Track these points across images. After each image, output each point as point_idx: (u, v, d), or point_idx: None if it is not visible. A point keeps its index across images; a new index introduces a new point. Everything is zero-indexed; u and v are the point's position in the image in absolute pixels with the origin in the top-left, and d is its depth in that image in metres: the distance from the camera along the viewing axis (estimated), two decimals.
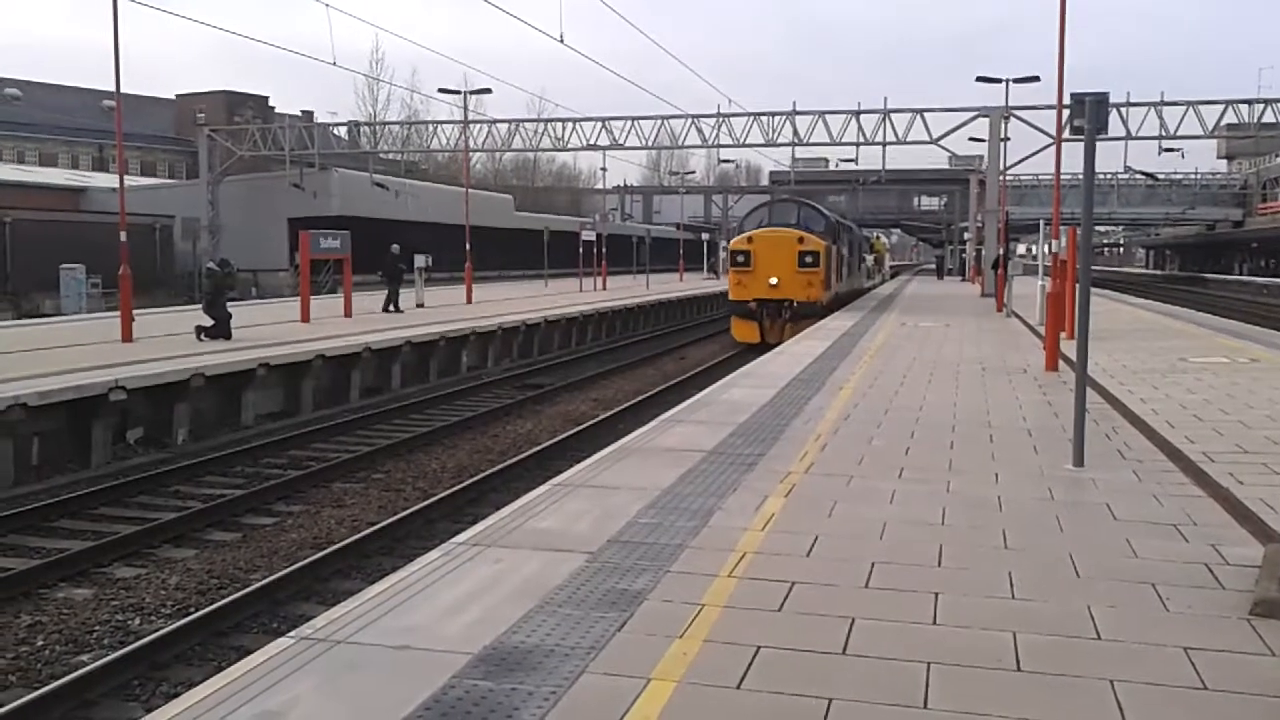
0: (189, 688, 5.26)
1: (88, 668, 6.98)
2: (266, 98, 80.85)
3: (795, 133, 42.63)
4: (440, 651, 4.53)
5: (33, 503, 11.58)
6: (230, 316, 19.45)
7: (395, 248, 27.93)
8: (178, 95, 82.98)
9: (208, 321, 19.14)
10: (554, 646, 4.59)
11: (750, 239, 26.14)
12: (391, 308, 27.11)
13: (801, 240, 25.72)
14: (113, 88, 19.37)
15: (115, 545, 9.95)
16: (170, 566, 9.55)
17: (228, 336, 18.95)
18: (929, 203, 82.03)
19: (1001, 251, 34.59)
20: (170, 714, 3.97)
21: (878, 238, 68.28)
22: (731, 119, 43.24)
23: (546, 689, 4.15)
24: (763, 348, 22.29)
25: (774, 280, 25.34)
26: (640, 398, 19.09)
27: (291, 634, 4.79)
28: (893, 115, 41.29)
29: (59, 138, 74.83)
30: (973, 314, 27.99)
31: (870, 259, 51.64)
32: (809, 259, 25.52)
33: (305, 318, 23.76)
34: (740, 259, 26.06)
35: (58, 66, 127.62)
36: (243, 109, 73.37)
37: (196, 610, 8.19)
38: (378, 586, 5.45)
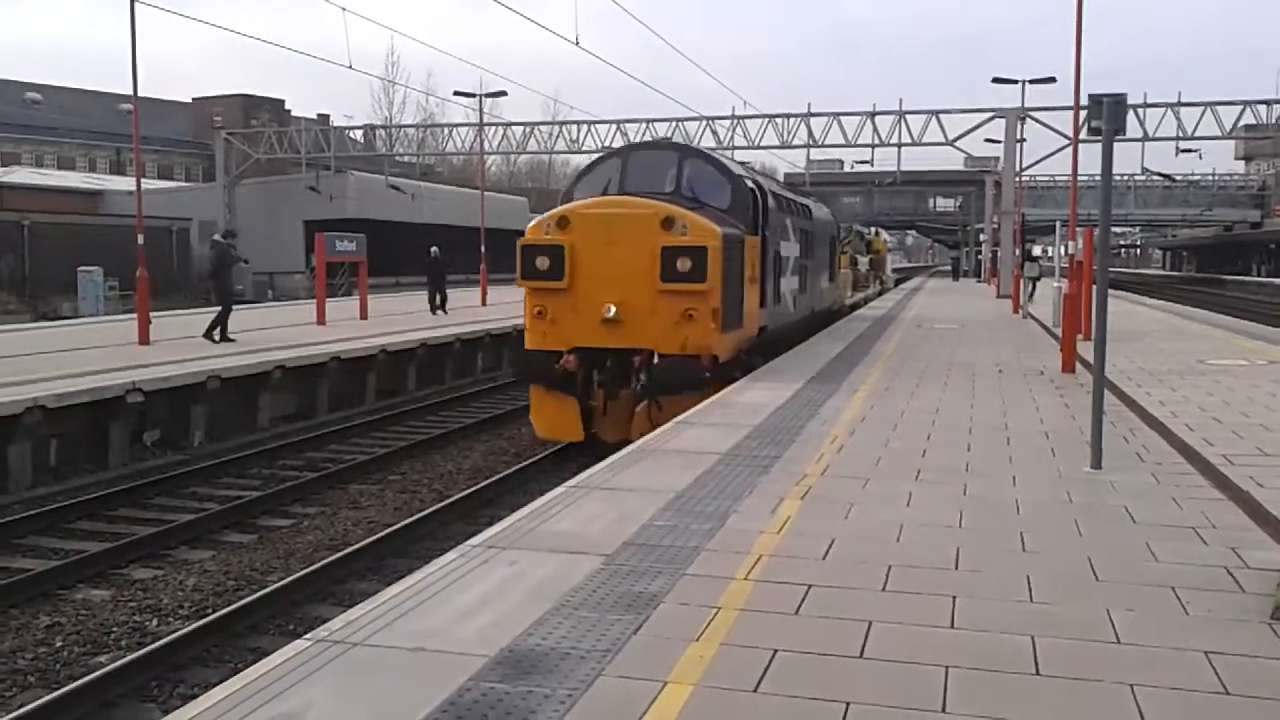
0: (206, 689, 5.27)
1: (106, 669, 7.01)
2: (283, 101, 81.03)
3: (810, 134, 42.60)
4: (456, 654, 4.52)
5: (51, 504, 11.65)
6: (232, 301, 19.43)
7: (435, 250, 27.97)
8: (194, 99, 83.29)
9: (216, 324, 19.11)
10: (570, 649, 4.58)
11: (563, 221, 13.14)
12: (440, 310, 27.14)
13: (669, 224, 12.75)
14: (130, 91, 19.49)
15: (133, 546, 10.01)
16: (187, 568, 9.59)
17: (227, 312, 18.96)
18: (944, 204, 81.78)
19: (1018, 252, 34.48)
20: (187, 716, 3.98)
21: (876, 234, 54.32)
22: (746, 121, 43.21)
23: (563, 692, 4.15)
24: (592, 448, 12.82)
25: (611, 310, 12.80)
26: None
27: (308, 636, 4.79)
28: (908, 116, 41.26)
29: (77, 141, 75.24)
30: (987, 316, 27.87)
31: (864, 261, 41.97)
32: (686, 263, 12.62)
33: (321, 320, 23.83)
34: (541, 264, 13.13)
35: (76, 70, 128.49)
36: (259, 112, 73.56)
37: (213, 612, 8.22)
38: (394, 588, 5.45)
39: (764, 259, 15.51)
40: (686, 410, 11.24)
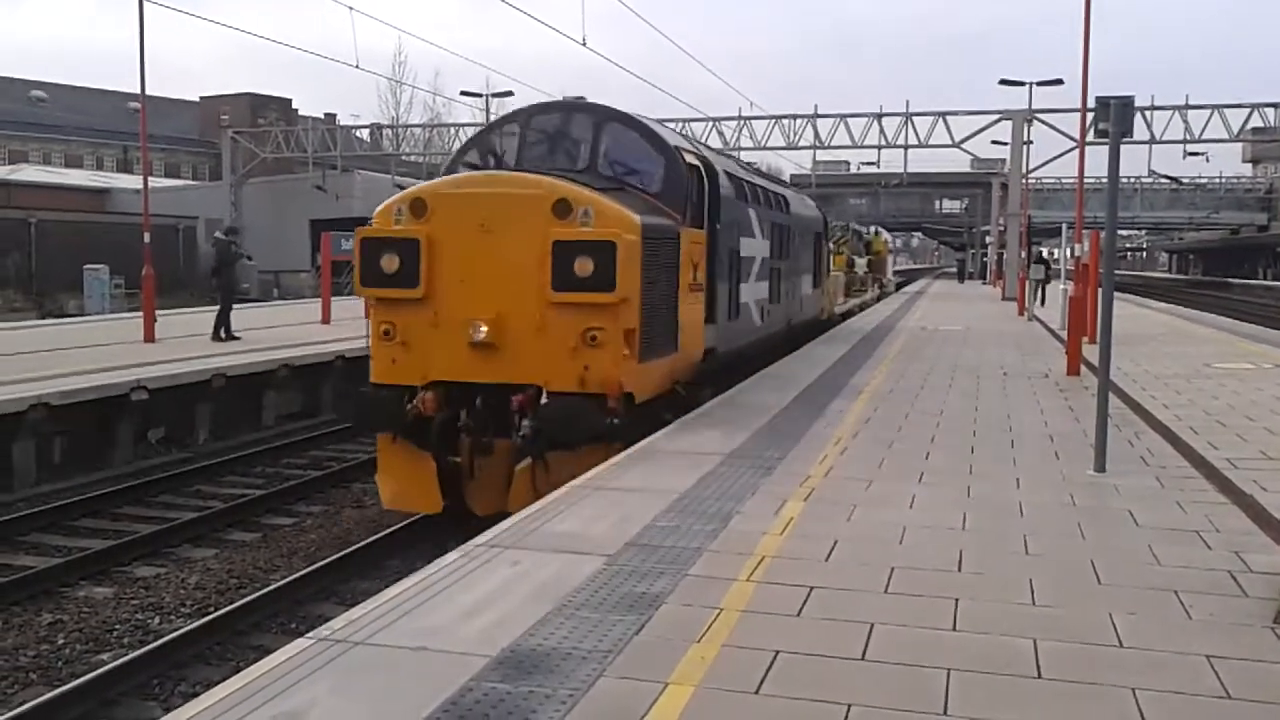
0: (208, 687, 5.28)
1: (108, 666, 7.02)
2: (289, 100, 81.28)
3: (816, 135, 42.66)
4: (458, 653, 4.52)
5: (55, 501, 11.67)
6: (232, 299, 19.39)
7: None
8: (202, 97, 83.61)
9: (219, 324, 19.12)
10: (572, 649, 4.58)
11: (417, 205, 9.87)
12: None
13: (565, 209, 9.52)
14: (137, 90, 19.53)
15: (136, 544, 10.02)
16: (190, 566, 9.60)
17: (228, 310, 18.94)
18: (950, 206, 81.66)
19: (1024, 254, 34.46)
20: (189, 714, 3.98)
21: (876, 233, 50.43)
22: (753, 121, 43.31)
23: (564, 692, 4.15)
24: (456, 521, 9.69)
25: (481, 330, 9.56)
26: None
27: (310, 634, 4.79)
28: (915, 118, 41.26)
29: (84, 139, 75.51)
30: (993, 319, 27.85)
31: (862, 263, 39.53)
32: (587, 264, 9.38)
33: (326, 319, 23.84)
34: (388, 265, 9.78)
35: (83, 69, 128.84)
36: (266, 111, 73.77)
37: (216, 610, 8.23)
38: (396, 588, 5.45)
39: (713, 259, 12.18)
40: (586, 471, 8.24)
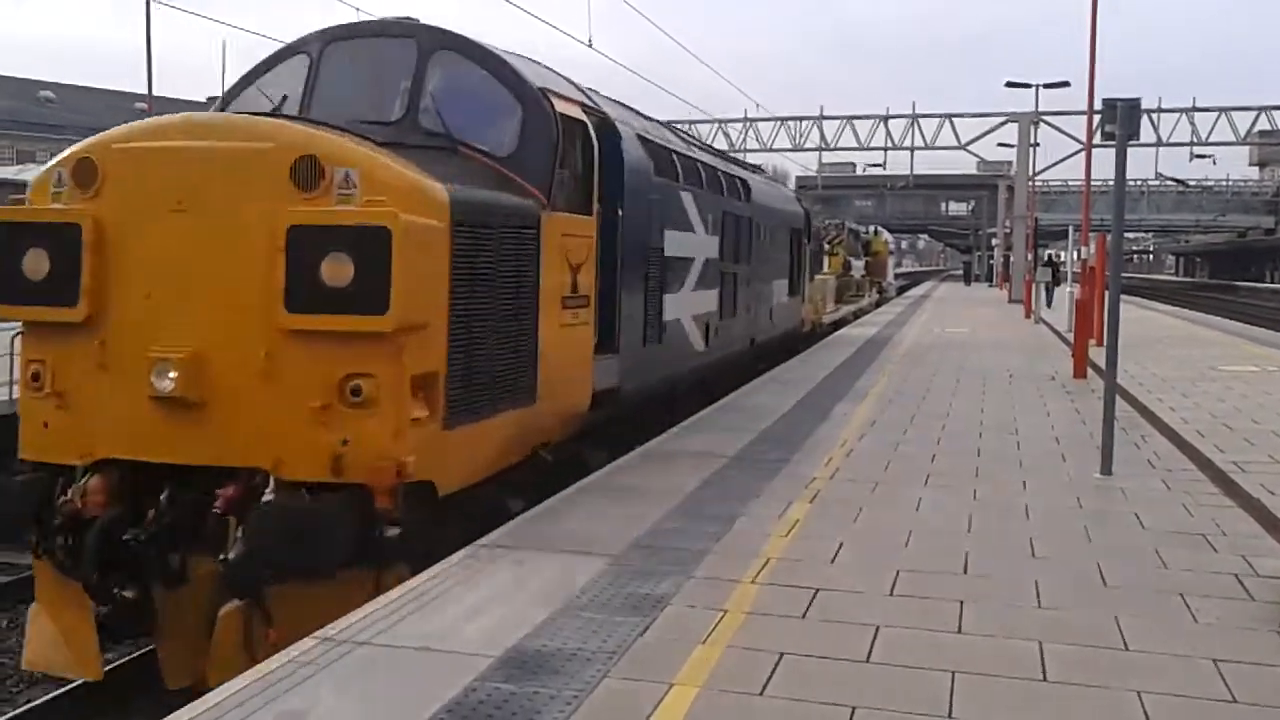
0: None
1: (112, 665, 7.01)
2: None
3: (822, 137, 42.68)
4: (462, 654, 4.52)
5: None
6: None
7: None
8: (208, 98, 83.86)
9: None
10: (576, 650, 4.57)
11: (83, 169, 6.04)
12: None
13: (308, 173, 5.76)
14: (144, 90, 19.59)
15: None
16: None
17: None
18: (957, 208, 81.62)
19: (1030, 256, 34.42)
20: (194, 712, 3.98)
21: (876, 233, 47.38)
22: (758, 124, 43.36)
23: (569, 693, 4.14)
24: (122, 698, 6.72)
25: (169, 376, 5.71)
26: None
27: (315, 634, 4.79)
28: (921, 120, 41.26)
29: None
30: (998, 321, 27.82)
31: (859, 265, 37.05)
32: (342, 266, 5.62)
33: None
34: (33, 267, 6.02)
35: (85, 68, 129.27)
36: None
37: None
38: (401, 588, 5.44)
39: (613, 260, 8.89)
40: (340, 616, 4.99)
